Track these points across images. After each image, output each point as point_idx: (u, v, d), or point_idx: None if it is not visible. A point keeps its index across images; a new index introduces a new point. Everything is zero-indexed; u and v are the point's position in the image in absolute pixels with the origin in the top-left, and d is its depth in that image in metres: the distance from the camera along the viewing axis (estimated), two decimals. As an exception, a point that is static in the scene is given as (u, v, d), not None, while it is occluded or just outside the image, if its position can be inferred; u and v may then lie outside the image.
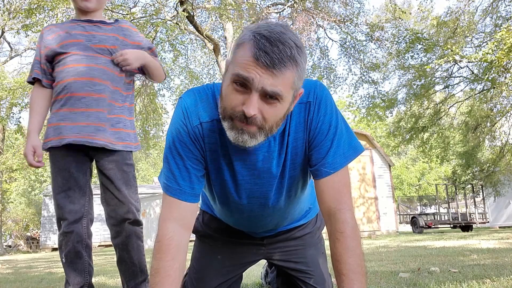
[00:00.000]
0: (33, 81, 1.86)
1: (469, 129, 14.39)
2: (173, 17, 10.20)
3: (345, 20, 13.03)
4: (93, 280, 1.88)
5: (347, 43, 14.15)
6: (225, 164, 1.17)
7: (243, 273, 1.61)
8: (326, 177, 1.12)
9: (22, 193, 25.51)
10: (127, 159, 1.82)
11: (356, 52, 14.24)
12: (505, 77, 10.97)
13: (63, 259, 1.76)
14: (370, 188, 12.93)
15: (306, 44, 12.68)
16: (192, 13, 10.15)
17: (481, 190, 16.16)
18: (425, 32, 14.59)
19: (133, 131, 1.90)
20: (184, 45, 12.85)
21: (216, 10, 10.13)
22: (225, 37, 12.02)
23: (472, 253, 3.81)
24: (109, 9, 9.73)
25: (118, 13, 10.05)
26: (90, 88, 1.74)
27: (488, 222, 16.13)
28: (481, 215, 15.91)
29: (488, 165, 14.55)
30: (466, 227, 14.09)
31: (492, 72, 10.44)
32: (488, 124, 14.11)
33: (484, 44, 13.12)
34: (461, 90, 16.06)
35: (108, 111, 1.77)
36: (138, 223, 1.81)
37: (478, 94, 13.91)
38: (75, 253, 1.74)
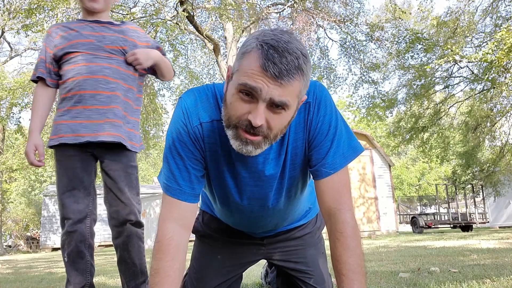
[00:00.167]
0: (37, 79, 1.86)
1: (469, 129, 14.39)
2: (173, 17, 10.20)
3: (345, 20, 13.02)
4: (93, 280, 1.89)
5: (347, 43, 14.15)
6: (226, 164, 1.17)
7: (243, 273, 1.61)
8: (326, 178, 1.12)
9: (22, 193, 25.51)
10: (132, 160, 1.84)
11: (356, 52, 14.24)
12: (505, 77, 10.97)
13: (65, 258, 1.76)
14: (370, 188, 12.93)
15: (306, 44, 12.67)
16: (192, 13, 10.15)
17: (481, 190, 16.17)
18: (425, 32, 14.58)
19: (138, 133, 1.92)
20: (184, 45, 12.85)
21: (216, 10, 10.13)
22: (225, 37, 12.02)
23: (472, 253, 3.81)
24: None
25: (118, 13, 10.04)
26: (104, 86, 1.75)
27: (488, 222, 16.13)
28: (481, 215, 15.91)
29: (488, 165, 14.55)
30: (466, 227, 14.09)
31: (492, 72, 10.44)
32: (488, 124, 14.11)
33: (484, 44, 13.12)
34: (461, 90, 16.08)
35: (123, 108, 1.79)
36: (139, 224, 1.82)
37: (478, 94, 13.91)
38: (78, 253, 1.75)
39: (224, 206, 1.31)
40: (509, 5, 12.85)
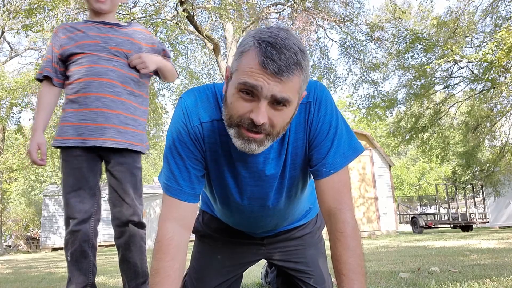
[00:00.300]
0: (42, 78, 1.87)
1: (469, 129, 14.39)
2: (173, 17, 10.20)
3: (345, 20, 13.02)
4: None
5: (347, 43, 14.16)
6: (226, 164, 1.17)
7: (243, 273, 1.61)
8: (326, 177, 1.12)
9: (22, 193, 25.50)
10: (137, 162, 1.86)
11: (356, 52, 14.25)
12: (505, 77, 10.97)
13: (68, 257, 1.77)
14: (370, 188, 12.93)
15: (306, 44, 12.68)
16: (192, 13, 10.15)
17: (481, 190, 16.16)
18: (425, 32, 14.58)
19: (144, 132, 1.93)
20: (184, 45, 12.85)
21: (216, 10, 10.13)
22: (225, 37, 12.02)
23: (472, 253, 3.81)
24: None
25: (118, 13, 10.04)
26: (110, 89, 1.77)
27: (488, 222, 16.13)
28: (481, 215, 15.91)
29: (488, 165, 14.55)
30: (466, 227, 14.09)
31: (492, 72, 10.44)
32: (488, 124, 14.11)
33: (484, 44, 13.12)
34: (461, 90, 16.08)
35: (127, 113, 1.81)
36: (142, 225, 1.84)
37: (478, 94, 13.91)
38: (81, 252, 1.76)
39: (224, 206, 1.31)
40: (509, 5, 12.86)
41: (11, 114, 13.58)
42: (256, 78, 0.91)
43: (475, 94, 14.05)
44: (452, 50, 11.08)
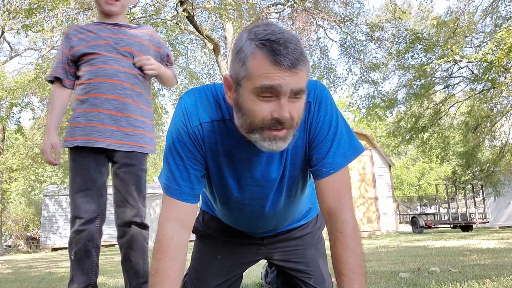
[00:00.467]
0: (53, 80, 1.90)
1: (469, 129, 14.38)
2: (173, 17, 10.19)
3: (345, 20, 13.02)
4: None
5: (347, 43, 14.16)
6: (226, 165, 1.17)
7: (243, 273, 1.61)
8: (326, 177, 1.12)
9: (22, 193, 25.50)
10: (143, 164, 1.88)
11: (356, 52, 14.25)
12: (505, 77, 10.97)
13: (72, 256, 1.78)
14: (370, 188, 12.93)
15: (306, 44, 12.69)
16: (192, 13, 10.15)
17: (481, 190, 16.16)
18: (425, 32, 14.58)
19: (153, 135, 1.96)
20: (184, 45, 12.84)
21: (216, 10, 10.13)
22: (225, 37, 12.01)
23: (472, 253, 3.81)
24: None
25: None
26: (121, 92, 1.79)
27: (488, 222, 16.13)
28: (481, 215, 15.91)
29: (488, 165, 14.55)
30: (466, 227, 14.09)
31: (492, 72, 10.43)
32: (488, 124, 14.11)
33: (484, 44, 13.12)
34: (461, 90, 16.08)
35: (136, 115, 1.83)
36: (144, 226, 1.85)
37: (478, 94, 13.90)
38: (85, 252, 1.77)
39: (225, 206, 1.31)
40: (509, 5, 12.86)
41: (11, 114, 13.57)
42: (273, 78, 0.92)
43: (475, 94, 14.05)
44: (452, 50, 11.08)
